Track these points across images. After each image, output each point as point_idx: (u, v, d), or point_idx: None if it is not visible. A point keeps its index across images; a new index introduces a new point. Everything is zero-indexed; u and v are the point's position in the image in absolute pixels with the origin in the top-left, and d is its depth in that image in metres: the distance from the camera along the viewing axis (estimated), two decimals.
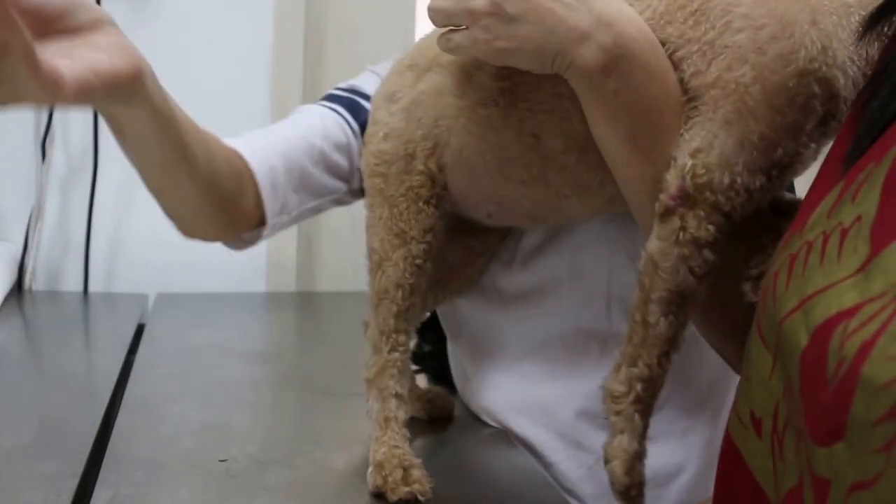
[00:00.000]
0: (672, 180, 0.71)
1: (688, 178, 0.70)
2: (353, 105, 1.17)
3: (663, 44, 0.74)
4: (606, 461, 0.75)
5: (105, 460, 0.92)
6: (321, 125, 1.14)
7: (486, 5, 0.75)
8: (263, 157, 1.07)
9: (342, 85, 1.21)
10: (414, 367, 1.25)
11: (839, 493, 0.46)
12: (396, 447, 0.89)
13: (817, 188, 0.62)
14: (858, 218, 0.51)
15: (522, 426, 1.05)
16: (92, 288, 1.81)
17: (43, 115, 1.76)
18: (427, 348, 1.30)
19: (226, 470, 0.91)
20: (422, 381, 1.26)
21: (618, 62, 0.73)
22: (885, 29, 0.64)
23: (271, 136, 1.12)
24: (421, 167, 0.90)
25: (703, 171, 0.70)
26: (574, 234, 1.02)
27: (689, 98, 0.73)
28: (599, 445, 1.02)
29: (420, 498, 0.86)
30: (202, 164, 0.97)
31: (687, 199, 0.71)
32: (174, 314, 1.63)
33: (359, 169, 1.04)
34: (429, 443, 1.06)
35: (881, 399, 0.43)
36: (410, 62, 0.93)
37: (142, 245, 1.84)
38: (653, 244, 0.73)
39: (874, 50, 0.69)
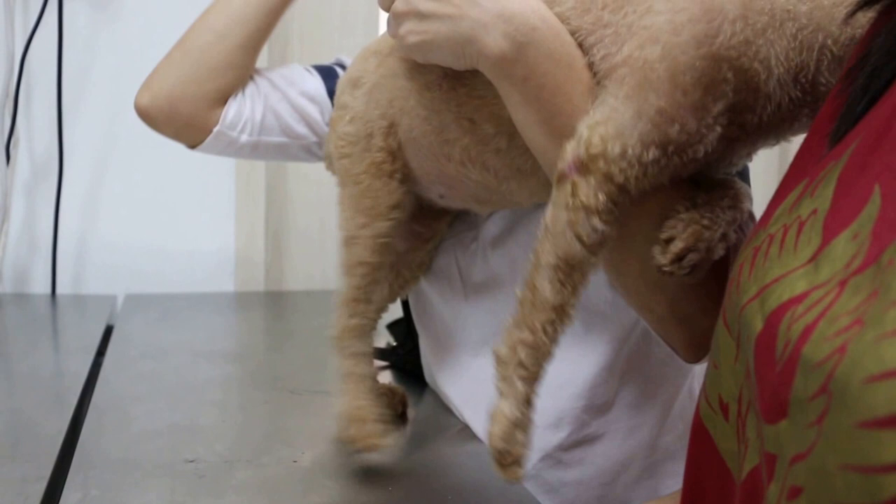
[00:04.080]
0: (569, 149, 0.73)
1: (582, 147, 0.72)
2: (330, 71, 1.29)
3: (576, 32, 0.78)
4: (489, 425, 0.74)
5: (74, 463, 0.93)
6: (300, 76, 1.27)
7: (403, 5, 0.83)
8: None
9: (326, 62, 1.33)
10: (380, 363, 1.26)
11: (783, 466, 0.49)
12: (357, 398, 0.95)
13: (784, 185, 0.63)
14: (814, 211, 0.54)
15: (479, 420, 1.06)
16: (60, 290, 1.81)
17: (6, 118, 1.76)
18: (394, 343, 1.32)
19: (194, 470, 0.92)
20: (387, 376, 1.28)
21: (522, 50, 0.77)
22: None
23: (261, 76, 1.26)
24: (381, 143, 0.95)
25: (599, 141, 0.72)
26: (533, 222, 1.04)
27: (599, 80, 0.77)
28: (546, 440, 1.04)
29: (378, 450, 0.92)
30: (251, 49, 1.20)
31: (580, 167, 0.72)
32: (143, 315, 1.64)
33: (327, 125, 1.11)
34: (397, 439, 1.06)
35: (815, 376, 0.46)
36: (375, 49, 0.98)
37: (109, 246, 1.84)
38: (547, 210, 0.74)
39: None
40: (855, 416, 0.42)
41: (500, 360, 0.75)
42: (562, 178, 0.73)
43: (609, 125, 0.72)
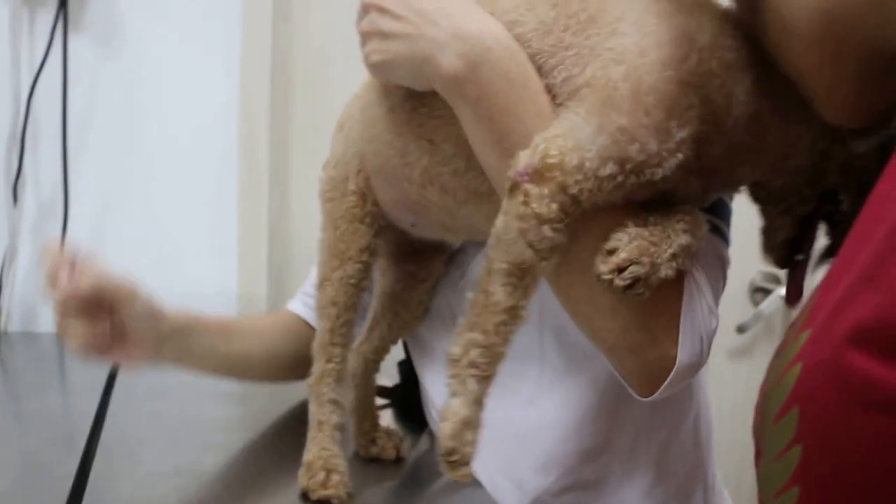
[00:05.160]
0: (523, 157, 0.74)
1: (538, 156, 0.73)
2: None
3: (538, 54, 0.79)
4: (440, 422, 0.74)
5: None
6: None
7: (368, 25, 0.86)
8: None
9: None
10: (381, 402, 1.28)
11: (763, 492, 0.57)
12: (325, 449, 0.96)
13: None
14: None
15: (480, 460, 1.06)
16: None
17: (14, 158, 1.78)
18: (394, 383, 1.33)
19: None
20: (388, 416, 1.28)
21: (475, 69, 0.79)
22: None
23: None
24: (353, 187, 0.97)
25: (556, 152, 0.72)
26: None
27: (561, 102, 0.78)
28: (535, 484, 1.04)
29: (334, 502, 0.93)
30: (256, 349, 1.17)
31: (534, 175, 0.73)
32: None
33: None
34: (394, 476, 1.08)
35: (765, 406, 0.56)
36: (359, 89, 1.01)
37: None
38: (499, 218, 0.75)
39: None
40: (770, 416, 0.53)
41: (452, 360, 0.75)
42: (514, 186, 0.74)
43: (568, 138, 0.73)
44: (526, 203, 0.72)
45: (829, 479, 0.50)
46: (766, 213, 0.85)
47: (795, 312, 0.68)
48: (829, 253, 0.80)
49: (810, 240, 0.81)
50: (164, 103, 1.86)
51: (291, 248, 1.99)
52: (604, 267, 0.74)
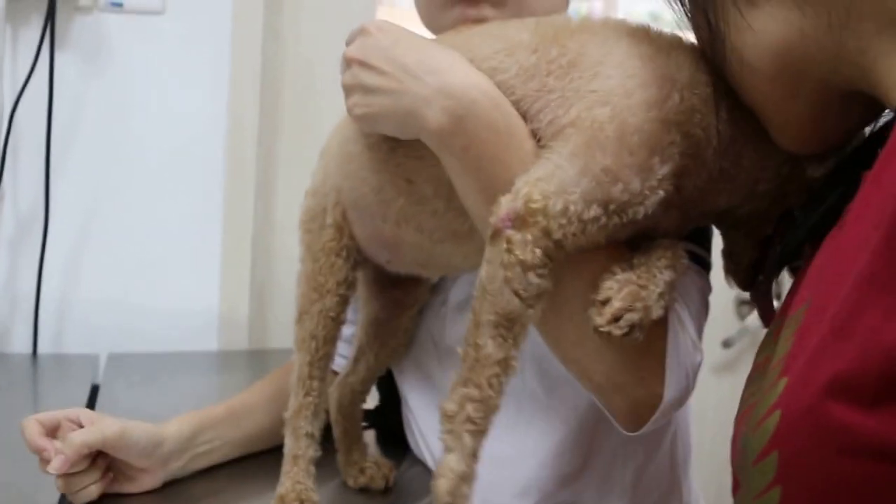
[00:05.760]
0: (505, 203, 0.74)
1: (521, 201, 0.73)
2: None
3: (522, 100, 0.80)
4: (434, 479, 0.74)
5: None
6: None
7: (350, 79, 0.87)
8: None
9: None
10: (363, 424, 1.25)
11: None
12: (299, 483, 0.97)
13: (790, 302, 0.68)
14: (776, 353, 0.63)
15: None
16: (41, 349, 1.78)
17: None
18: (378, 404, 1.32)
19: None
20: (369, 437, 1.25)
21: (461, 122, 0.79)
22: None
23: None
24: (330, 220, 0.97)
25: (539, 196, 0.72)
26: None
27: (544, 144, 0.78)
28: None
29: None
30: (268, 421, 1.16)
31: (516, 221, 0.73)
32: (127, 376, 1.60)
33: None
34: (375, 498, 1.09)
35: (744, 445, 0.60)
36: (340, 120, 1.00)
37: (92, 304, 1.82)
38: (483, 268, 0.75)
39: None
40: (750, 458, 0.57)
41: (447, 416, 0.74)
42: (496, 233, 0.73)
43: (551, 181, 0.73)
44: (509, 250, 0.72)
45: None
46: (729, 237, 0.87)
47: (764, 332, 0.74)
48: (780, 265, 0.82)
49: (771, 260, 0.82)
50: (150, 120, 1.83)
51: (274, 266, 1.97)
52: (600, 319, 0.75)
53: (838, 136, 0.74)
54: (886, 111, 0.70)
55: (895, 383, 0.49)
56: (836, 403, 0.51)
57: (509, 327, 0.73)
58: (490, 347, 0.73)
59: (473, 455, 0.74)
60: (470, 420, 0.73)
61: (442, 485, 0.73)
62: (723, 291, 0.95)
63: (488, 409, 0.74)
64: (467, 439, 0.73)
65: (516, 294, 0.72)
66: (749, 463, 0.58)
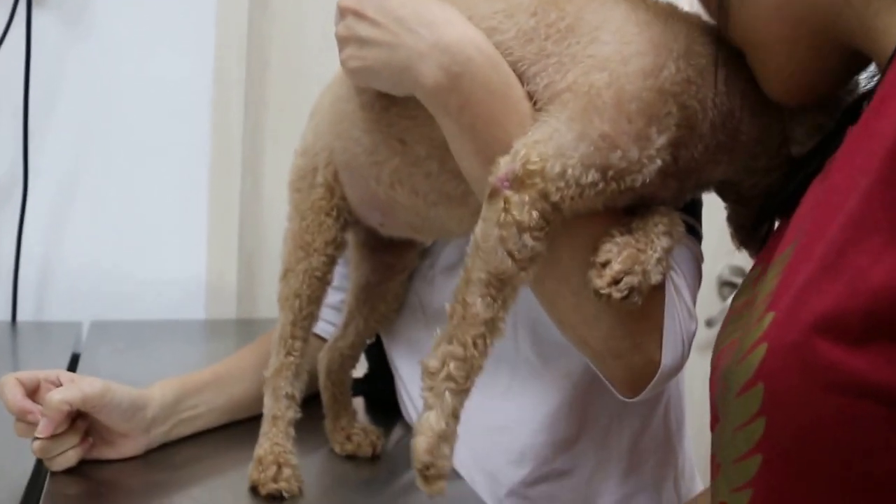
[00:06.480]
0: (503, 164, 0.73)
1: (519, 163, 0.72)
2: None
3: (519, 61, 0.79)
4: (413, 436, 0.73)
5: None
6: None
7: (345, 30, 0.85)
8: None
9: None
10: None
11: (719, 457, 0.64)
12: (277, 444, 0.96)
13: (774, 247, 0.70)
14: (759, 293, 0.65)
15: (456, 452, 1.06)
16: (21, 317, 1.73)
17: None
18: (367, 371, 1.31)
19: None
20: (358, 404, 1.24)
21: (457, 80, 0.78)
22: None
23: None
24: (321, 179, 0.97)
25: (538, 158, 0.72)
26: None
27: (540, 108, 0.77)
28: (510, 476, 1.06)
29: (285, 495, 0.93)
30: (254, 388, 1.10)
31: (515, 182, 0.72)
32: (111, 343, 1.57)
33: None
34: (368, 466, 1.07)
35: (725, 378, 0.62)
36: (332, 78, 1.01)
37: (74, 270, 1.77)
38: (478, 226, 0.74)
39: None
40: (734, 390, 0.60)
41: (428, 372, 0.74)
42: (494, 193, 0.73)
43: (550, 144, 0.73)
44: (506, 210, 0.72)
45: (791, 450, 0.56)
46: (734, 209, 0.88)
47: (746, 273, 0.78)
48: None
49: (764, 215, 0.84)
50: (133, 86, 1.78)
51: (263, 233, 1.94)
52: (600, 281, 0.75)
53: (825, 88, 0.75)
54: (866, 74, 0.74)
55: (880, 323, 0.52)
56: (823, 340, 0.53)
57: (500, 288, 0.73)
58: (478, 306, 0.72)
59: (454, 414, 0.73)
60: (451, 378, 0.73)
61: (421, 443, 0.72)
62: (705, 271, 0.96)
63: (471, 368, 0.73)
64: (448, 398, 0.73)
65: (510, 254, 0.72)
66: (732, 395, 0.60)
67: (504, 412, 1.07)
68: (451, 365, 0.72)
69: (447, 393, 0.72)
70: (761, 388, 0.57)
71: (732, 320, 0.71)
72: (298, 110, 1.13)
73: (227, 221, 1.86)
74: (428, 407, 0.73)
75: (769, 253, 0.70)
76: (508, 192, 0.72)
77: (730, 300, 0.77)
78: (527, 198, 0.71)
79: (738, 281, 2.14)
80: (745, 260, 1.48)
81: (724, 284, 2.23)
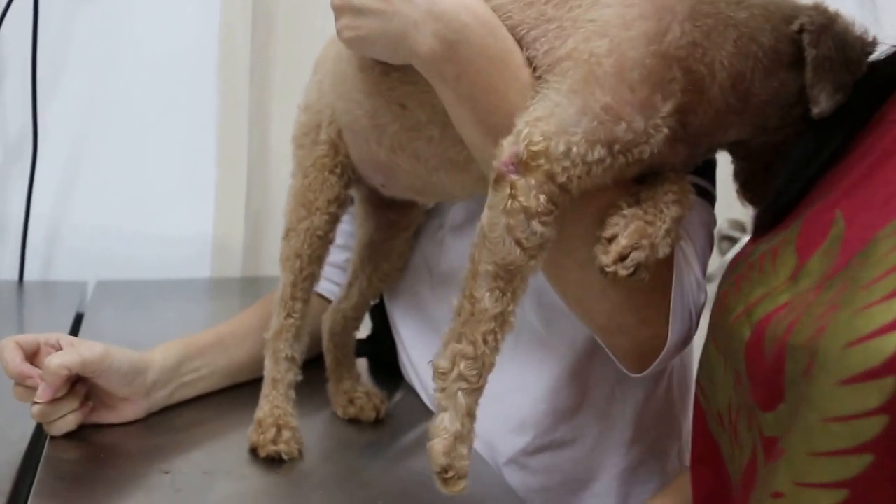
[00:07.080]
0: (507, 146, 0.70)
1: (523, 144, 0.69)
2: None
3: (519, 25, 0.76)
4: (429, 439, 0.71)
5: (39, 475, 0.86)
6: None
7: (339, 1, 0.83)
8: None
9: None
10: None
11: (784, 442, 0.58)
12: (277, 407, 0.96)
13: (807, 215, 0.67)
14: (785, 240, 0.63)
15: None
16: (28, 276, 1.73)
17: None
18: (370, 332, 1.32)
19: (170, 483, 0.87)
20: (361, 366, 1.25)
21: (453, 48, 0.75)
22: None
23: None
24: (325, 136, 0.96)
25: (540, 138, 0.69)
26: None
27: (541, 75, 0.75)
28: (510, 445, 1.05)
29: (284, 457, 0.92)
30: (257, 349, 1.07)
31: (520, 165, 0.69)
32: (114, 303, 1.57)
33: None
34: (369, 427, 1.07)
35: (802, 356, 0.56)
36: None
37: (81, 230, 1.77)
38: (484, 214, 0.71)
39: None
40: (835, 376, 0.53)
41: (439, 374, 0.71)
42: (499, 178, 0.70)
43: (551, 121, 0.69)
44: (513, 196, 0.69)
45: None
46: (741, 166, 0.85)
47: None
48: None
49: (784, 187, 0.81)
50: (140, 44, 1.76)
51: (270, 191, 1.93)
52: (606, 259, 0.73)
53: None
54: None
55: None
56: None
57: (508, 280, 0.70)
58: (487, 301, 0.70)
59: (469, 414, 0.71)
60: (463, 378, 0.70)
61: (437, 445, 0.70)
62: None
63: (483, 366, 0.71)
64: (461, 398, 0.70)
65: (518, 243, 0.69)
66: (829, 379, 0.54)
67: (504, 380, 1.03)
68: (462, 364, 0.70)
69: (460, 393, 0.70)
70: (891, 383, 0.50)
71: (753, 277, 0.67)
72: (305, 68, 1.11)
73: (235, 180, 1.84)
74: (441, 409, 0.71)
75: (796, 219, 0.67)
76: (514, 177, 0.69)
77: (729, 254, 0.74)
78: (533, 181, 0.68)
79: (738, 235, 2.09)
80: (743, 213, 1.46)
81: (724, 239, 2.15)
